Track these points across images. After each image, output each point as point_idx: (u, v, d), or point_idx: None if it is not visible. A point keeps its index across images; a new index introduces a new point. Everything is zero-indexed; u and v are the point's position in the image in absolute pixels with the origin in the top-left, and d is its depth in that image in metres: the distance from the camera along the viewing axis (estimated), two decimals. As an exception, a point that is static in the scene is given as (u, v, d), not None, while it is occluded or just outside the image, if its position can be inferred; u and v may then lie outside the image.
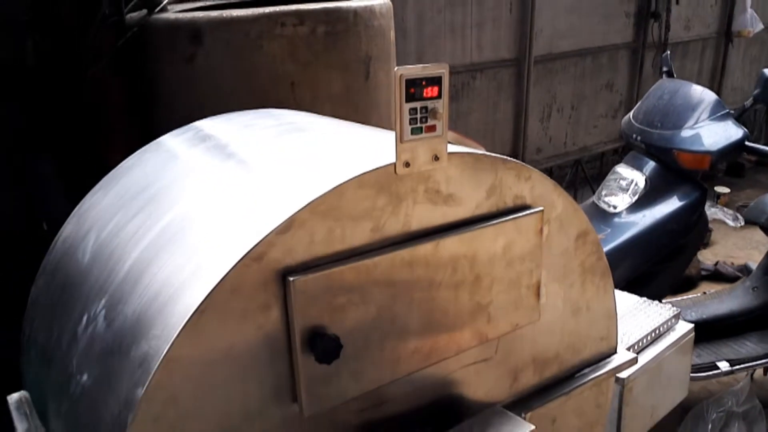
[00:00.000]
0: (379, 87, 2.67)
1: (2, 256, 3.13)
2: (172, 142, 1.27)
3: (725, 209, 5.70)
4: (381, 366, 0.90)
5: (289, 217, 0.80)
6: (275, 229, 0.79)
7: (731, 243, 5.20)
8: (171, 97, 2.45)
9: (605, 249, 2.57)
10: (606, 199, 2.74)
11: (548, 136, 5.33)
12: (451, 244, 0.94)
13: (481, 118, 4.80)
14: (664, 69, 2.99)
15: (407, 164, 0.87)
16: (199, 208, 0.96)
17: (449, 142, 0.94)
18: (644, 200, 2.62)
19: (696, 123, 2.56)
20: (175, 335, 0.74)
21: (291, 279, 0.80)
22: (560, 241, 1.12)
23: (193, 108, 2.39)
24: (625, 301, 1.96)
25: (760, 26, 6.14)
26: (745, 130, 2.50)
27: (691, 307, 3.01)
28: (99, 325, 0.88)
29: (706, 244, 5.19)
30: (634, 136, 2.74)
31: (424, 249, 0.91)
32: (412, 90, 0.85)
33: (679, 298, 3.25)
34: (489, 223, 0.98)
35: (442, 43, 4.37)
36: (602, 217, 2.72)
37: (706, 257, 4.87)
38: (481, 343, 1.03)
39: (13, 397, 1.23)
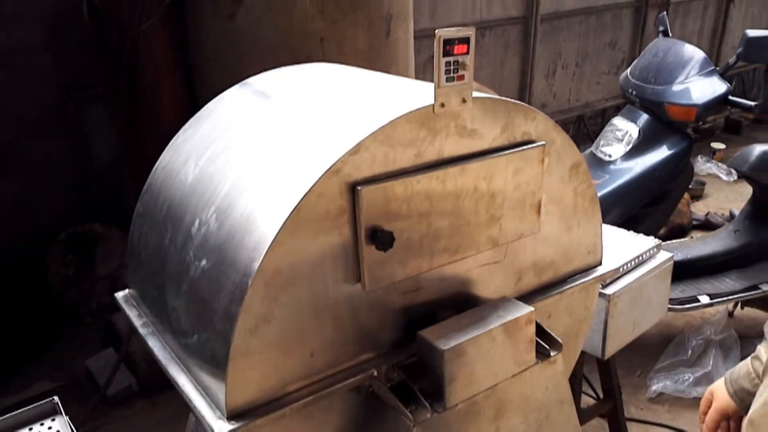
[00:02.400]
0: (398, 43, 2.93)
1: (56, 201, 3.44)
2: (244, 90, 1.55)
3: (720, 164, 5.97)
4: (420, 258, 1.21)
5: (358, 143, 1.09)
6: (348, 151, 1.08)
7: (723, 196, 5.48)
8: (214, 50, 2.72)
9: (601, 193, 2.89)
10: (603, 148, 3.02)
11: (553, 92, 5.56)
12: (473, 169, 1.23)
13: (489, 74, 5.03)
14: (661, 29, 3.22)
15: (442, 105, 1.16)
16: (285, 138, 1.25)
17: (476, 92, 1.22)
18: (637, 149, 2.91)
19: (686, 79, 2.82)
20: (280, 226, 1.04)
21: (359, 188, 1.09)
22: (557, 170, 1.41)
23: (233, 60, 2.67)
24: (616, 234, 2.26)
25: (763, -15, 6.29)
26: (729, 85, 2.76)
27: (679, 248, 3.32)
28: (211, 226, 1.18)
29: (699, 197, 5.48)
30: (630, 90, 3.01)
31: (453, 171, 1.21)
32: (448, 47, 1.13)
33: (668, 243, 3.55)
34: (502, 153, 1.27)
35: (454, 0, 4.57)
36: (599, 165, 3.01)
37: (699, 209, 5.16)
38: (493, 247, 1.33)
39: (119, 295, 1.55)
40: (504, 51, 5.06)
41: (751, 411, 0.97)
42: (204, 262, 1.16)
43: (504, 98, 1.29)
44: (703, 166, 5.97)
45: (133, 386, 2.95)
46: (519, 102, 1.30)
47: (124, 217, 3.50)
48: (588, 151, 3.18)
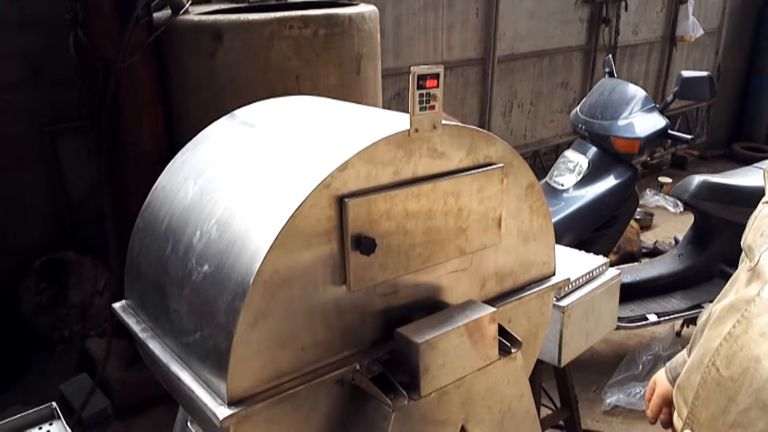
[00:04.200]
0: (367, 80, 3.15)
1: (31, 229, 3.49)
2: (234, 121, 1.71)
3: (667, 197, 6.34)
4: (398, 263, 1.38)
5: (345, 161, 1.26)
6: (337, 168, 1.25)
7: (671, 226, 5.82)
8: (194, 86, 2.88)
9: (555, 219, 3.11)
10: (556, 178, 3.27)
11: (510, 128, 5.87)
12: (442, 186, 1.42)
13: (450, 111, 5.29)
14: (607, 69, 3.53)
15: (417, 130, 1.35)
16: (279, 158, 1.41)
17: (444, 119, 1.41)
18: (587, 179, 3.16)
19: (629, 114, 3.10)
20: (278, 231, 1.20)
21: (346, 201, 1.26)
22: (515, 189, 1.61)
23: (214, 96, 2.83)
24: (569, 253, 2.48)
25: (701, 32, 6.80)
26: (667, 120, 3.06)
27: (629, 271, 3.57)
28: (213, 236, 1.33)
29: (648, 227, 5.81)
30: (580, 125, 3.28)
31: (426, 188, 1.39)
32: (421, 82, 1.32)
33: (620, 267, 3.80)
34: (467, 173, 1.46)
35: (416, 43, 4.86)
36: (553, 193, 3.25)
37: (648, 238, 5.48)
38: (461, 256, 1.51)
39: (116, 305, 1.67)
40: (464, 89, 5.35)
41: (678, 379, 1.15)
42: (206, 267, 1.31)
43: (469, 126, 1.49)
44: (651, 198, 6.33)
45: (107, 409, 3.00)
46: (481, 129, 1.50)
47: (97, 246, 3.59)
48: (543, 181, 3.43)
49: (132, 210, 2.96)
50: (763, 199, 0.98)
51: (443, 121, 1.40)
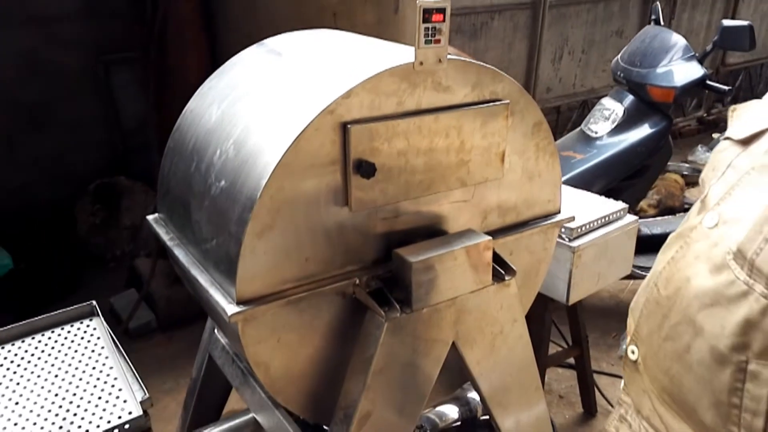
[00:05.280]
0: (406, 19, 3.18)
1: (86, 155, 3.74)
2: (261, 49, 1.82)
3: (719, 154, 6.15)
4: (398, 188, 1.48)
5: (349, 90, 1.36)
6: (341, 95, 1.35)
7: (719, 184, 5.66)
8: (235, 21, 2.99)
9: (587, 166, 3.14)
10: (591, 126, 3.27)
11: (558, 76, 5.77)
12: (446, 118, 1.50)
13: (497, 56, 5.25)
14: (653, 17, 3.44)
15: (421, 63, 1.42)
16: (291, 86, 1.52)
17: (450, 53, 1.48)
18: (621, 127, 3.15)
19: (669, 63, 3.05)
20: (284, 152, 1.31)
21: (349, 126, 1.36)
22: (521, 126, 1.67)
23: (254, 30, 2.93)
24: (591, 198, 2.52)
25: (772, -19, 6.42)
26: (706, 70, 2.99)
27: (660, 224, 3.56)
28: (230, 155, 1.46)
29: (695, 184, 5.69)
30: (619, 73, 3.24)
31: (429, 119, 1.47)
32: (426, 15, 1.39)
33: (654, 219, 3.80)
34: (472, 108, 1.53)
35: (464, -16, 4.80)
36: (586, 141, 3.26)
37: (693, 195, 5.38)
38: (462, 187, 1.60)
39: (150, 217, 1.84)
40: (512, 34, 5.28)
41: (631, 302, 1.20)
42: (223, 182, 1.44)
43: (476, 61, 1.55)
44: (702, 155, 6.17)
45: (152, 322, 3.27)
46: (488, 65, 1.56)
47: (147, 173, 3.82)
48: (578, 128, 3.42)
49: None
50: (723, 135, 1.03)
51: (449, 56, 1.47)
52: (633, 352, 1.06)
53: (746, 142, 0.96)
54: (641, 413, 1.07)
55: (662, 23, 3.48)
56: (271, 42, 1.87)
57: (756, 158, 0.91)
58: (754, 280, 0.83)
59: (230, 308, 1.35)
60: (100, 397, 1.58)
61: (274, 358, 1.47)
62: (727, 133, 1.02)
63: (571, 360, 2.81)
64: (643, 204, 4.39)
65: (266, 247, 1.36)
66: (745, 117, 1.00)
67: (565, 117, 5.99)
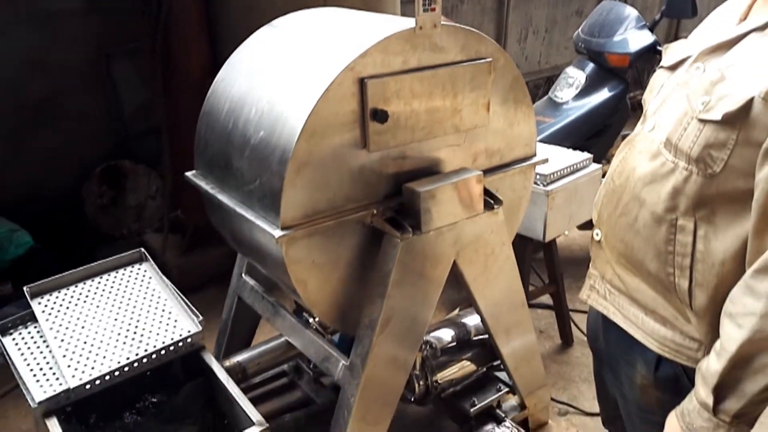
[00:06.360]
0: (387, 2, 3.49)
1: (92, 141, 3.98)
2: (274, 29, 2.12)
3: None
4: (405, 132, 1.80)
5: (365, 50, 1.67)
6: (359, 55, 1.66)
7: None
8: (236, 13, 3.26)
9: (555, 128, 3.50)
10: (557, 92, 3.63)
11: (525, 55, 6.14)
12: (441, 74, 1.82)
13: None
14: (609, -7, 3.82)
15: (420, 28, 1.75)
16: (314, 52, 1.83)
17: (443, 21, 1.81)
18: (584, 92, 3.52)
19: (624, 32, 3.43)
20: (315, 103, 1.63)
21: (365, 81, 1.68)
22: (502, 81, 2.00)
23: (253, 19, 3.20)
24: (560, 151, 2.88)
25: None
26: (656, 37, 3.37)
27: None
28: (265, 111, 1.77)
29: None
30: (580, 44, 3.61)
31: (428, 74, 1.80)
32: (424, -11, 1.71)
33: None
34: (461, 65, 1.86)
35: (435, -30, 5.10)
36: (554, 106, 3.62)
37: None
38: (456, 132, 1.93)
39: (188, 174, 2.13)
40: (481, 16, 5.63)
41: (595, 199, 1.54)
42: (261, 133, 1.75)
43: (464, 26, 1.88)
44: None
45: (166, 289, 3.54)
46: (474, 30, 1.89)
47: (148, 157, 4.07)
48: (546, 96, 3.79)
49: (181, 124, 3.43)
50: (659, 65, 1.38)
51: (443, 22, 1.80)
52: (597, 234, 1.41)
53: (672, 68, 1.31)
54: (605, 278, 1.42)
55: (616, -2, 3.87)
56: (279, 22, 2.17)
57: (679, 77, 1.26)
58: (678, 159, 1.18)
59: (276, 232, 1.66)
60: (161, 321, 1.88)
61: (310, 276, 1.79)
62: (661, 63, 1.37)
63: (549, 301, 3.18)
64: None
65: (303, 182, 1.67)
66: (672, 50, 1.35)
67: (532, 93, 6.34)
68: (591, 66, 3.54)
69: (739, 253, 1.14)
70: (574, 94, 3.54)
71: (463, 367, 2.31)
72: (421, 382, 2.20)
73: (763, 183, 1.05)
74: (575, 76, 3.58)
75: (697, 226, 1.18)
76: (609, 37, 3.43)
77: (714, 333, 1.19)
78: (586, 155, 2.78)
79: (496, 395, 2.32)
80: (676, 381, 1.33)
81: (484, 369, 2.38)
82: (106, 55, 3.95)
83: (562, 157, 2.78)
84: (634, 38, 3.38)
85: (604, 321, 1.49)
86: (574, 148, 3.48)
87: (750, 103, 1.05)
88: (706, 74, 1.17)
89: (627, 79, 3.55)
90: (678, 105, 1.21)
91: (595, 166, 2.79)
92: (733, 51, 1.16)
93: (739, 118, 1.07)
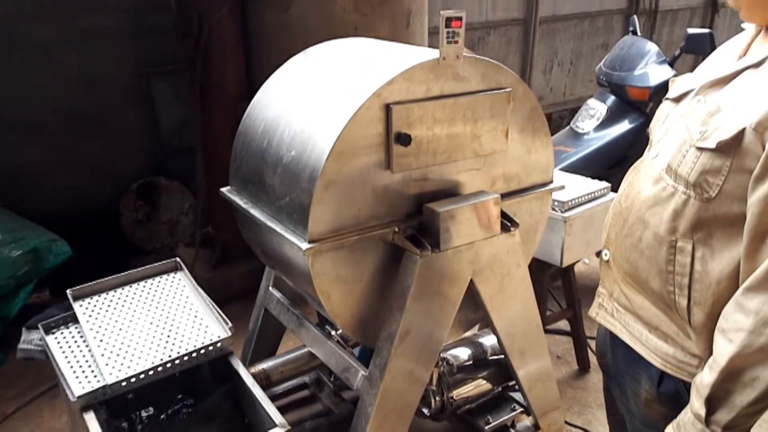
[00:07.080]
0: (415, 34, 3.66)
1: (129, 158, 4.18)
2: (307, 56, 2.27)
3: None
4: (427, 155, 1.91)
5: (391, 78, 1.80)
6: (386, 83, 1.79)
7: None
8: (270, 36, 3.45)
9: (576, 158, 3.59)
10: (578, 123, 3.73)
11: (549, 86, 6.26)
12: (462, 101, 1.94)
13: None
14: (630, 28, 3.93)
15: (444, 58, 1.87)
16: (344, 79, 1.96)
17: (465, 53, 1.93)
18: (605, 124, 3.61)
19: (644, 66, 3.52)
20: (345, 124, 1.75)
21: (391, 106, 1.80)
22: (521, 110, 2.11)
23: (286, 43, 3.39)
24: (580, 179, 2.97)
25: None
26: (675, 72, 3.46)
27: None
28: (297, 131, 1.90)
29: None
30: (601, 77, 3.71)
31: (450, 102, 1.91)
32: (448, 22, 1.84)
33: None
34: (482, 94, 1.98)
35: (462, 2, 5.29)
36: (575, 137, 3.72)
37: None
38: (475, 157, 2.04)
39: (224, 189, 2.27)
40: (506, 48, 5.77)
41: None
42: (293, 152, 1.88)
43: (485, 58, 2.00)
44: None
45: (194, 302, 3.67)
46: (495, 62, 2.01)
47: (182, 174, 4.26)
48: (567, 127, 3.89)
49: (215, 143, 3.60)
50: (665, 97, 1.48)
51: (465, 54, 1.92)
52: (605, 254, 1.50)
53: (677, 99, 1.41)
54: (612, 296, 1.50)
55: (639, 34, 3.97)
56: (312, 50, 2.32)
57: (682, 109, 1.36)
58: (677, 183, 1.27)
59: (304, 245, 1.78)
60: (193, 326, 2.00)
61: (334, 288, 1.89)
62: (667, 95, 1.47)
63: (567, 327, 3.23)
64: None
65: (330, 199, 1.79)
66: (677, 83, 1.46)
67: (556, 124, 6.46)
68: (612, 98, 3.64)
69: (734, 273, 1.22)
70: (595, 125, 3.64)
71: (479, 385, 2.39)
72: (437, 398, 2.28)
73: (753, 207, 1.14)
74: (596, 107, 3.68)
75: (695, 247, 1.26)
76: (630, 70, 3.53)
77: (711, 349, 1.27)
78: (604, 184, 2.87)
79: (511, 414, 2.39)
80: (677, 396, 1.40)
81: (500, 388, 2.45)
82: (146, 75, 4.16)
83: (580, 186, 2.86)
84: (655, 72, 3.48)
85: (611, 338, 1.57)
86: (594, 178, 3.58)
87: (742, 133, 1.15)
88: (705, 106, 1.27)
89: (647, 112, 3.64)
90: (679, 134, 1.31)
91: (612, 195, 2.87)
92: (729, 85, 1.26)
93: (732, 147, 1.16)
